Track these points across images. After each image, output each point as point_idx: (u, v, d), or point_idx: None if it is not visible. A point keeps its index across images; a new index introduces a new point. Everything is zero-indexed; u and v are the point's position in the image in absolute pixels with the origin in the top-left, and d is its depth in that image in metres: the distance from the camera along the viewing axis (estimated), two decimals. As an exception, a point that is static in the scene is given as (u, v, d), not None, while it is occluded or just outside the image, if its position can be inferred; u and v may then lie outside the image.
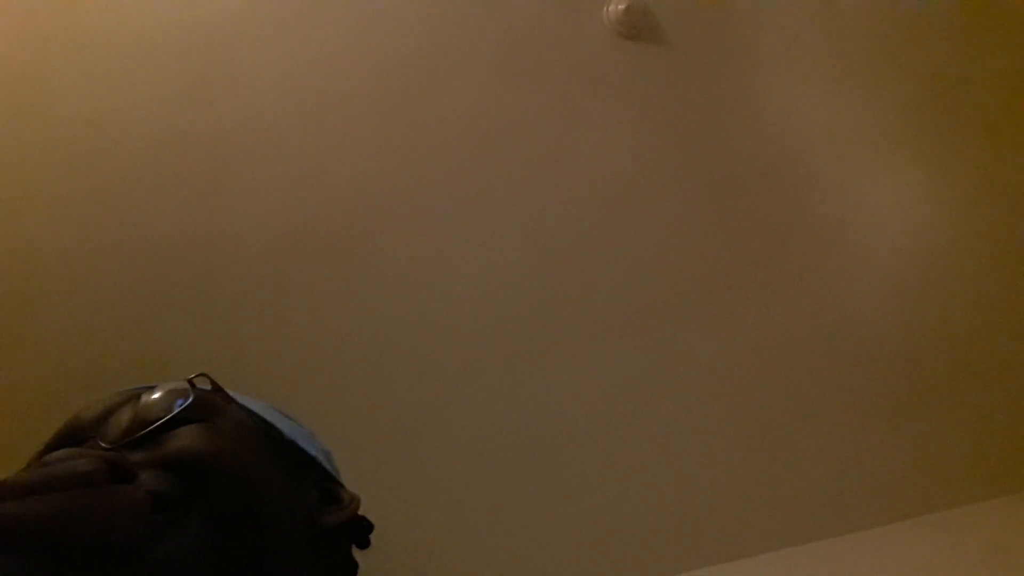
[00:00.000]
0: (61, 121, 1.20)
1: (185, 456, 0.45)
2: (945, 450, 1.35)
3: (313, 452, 0.59)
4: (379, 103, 1.28)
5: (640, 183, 1.34)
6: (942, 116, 1.45)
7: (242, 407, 0.57)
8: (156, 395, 0.51)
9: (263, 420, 0.57)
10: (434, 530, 1.19)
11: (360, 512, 0.60)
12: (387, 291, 1.24)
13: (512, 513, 1.23)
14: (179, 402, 0.51)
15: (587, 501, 1.25)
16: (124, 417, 0.50)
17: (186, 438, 0.47)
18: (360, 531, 0.59)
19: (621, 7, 1.34)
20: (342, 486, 0.60)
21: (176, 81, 1.24)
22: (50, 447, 0.51)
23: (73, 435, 0.51)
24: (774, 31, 1.43)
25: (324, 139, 1.26)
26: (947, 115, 1.46)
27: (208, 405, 0.53)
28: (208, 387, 0.57)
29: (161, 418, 0.49)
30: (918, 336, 1.38)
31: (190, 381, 0.55)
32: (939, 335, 1.39)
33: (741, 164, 1.38)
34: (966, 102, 1.46)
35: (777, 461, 1.31)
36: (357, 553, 0.63)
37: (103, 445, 0.48)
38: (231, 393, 0.58)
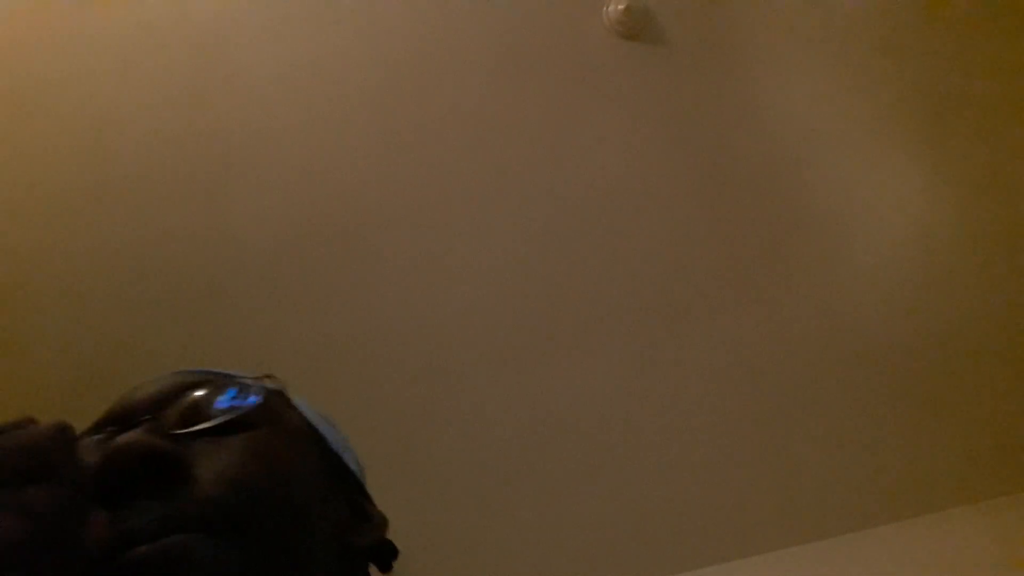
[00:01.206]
0: (62, 121, 1.20)
1: (234, 476, 0.42)
2: (944, 450, 1.35)
3: (352, 466, 0.57)
4: (379, 103, 1.28)
5: (639, 183, 1.34)
6: (942, 116, 1.45)
7: (300, 415, 0.54)
8: (216, 390, 0.48)
9: (315, 430, 0.54)
10: (432, 530, 1.19)
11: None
12: (385, 291, 1.24)
13: (511, 513, 1.23)
14: (240, 401, 0.48)
15: (587, 501, 1.25)
16: (180, 405, 0.47)
17: (238, 454, 0.44)
18: (385, 554, 0.56)
19: (621, 7, 1.34)
20: (371, 502, 0.58)
21: (177, 82, 1.24)
22: (99, 425, 0.48)
23: (124, 416, 0.47)
24: (774, 31, 1.43)
25: (324, 140, 1.26)
26: (947, 115, 1.46)
27: (270, 411, 0.49)
28: (274, 386, 0.54)
29: (220, 417, 0.46)
30: (917, 336, 1.38)
31: (257, 379, 0.52)
32: (938, 335, 1.39)
33: (740, 164, 1.38)
34: (966, 102, 1.46)
35: (777, 461, 1.31)
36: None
37: (160, 429, 0.44)
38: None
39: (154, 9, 1.25)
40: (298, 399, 0.57)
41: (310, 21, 1.29)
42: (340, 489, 0.53)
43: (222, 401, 0.47)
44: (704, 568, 1.25)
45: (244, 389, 0.49)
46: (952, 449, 1.36)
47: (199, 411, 0.46)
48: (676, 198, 1.35)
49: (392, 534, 0.57)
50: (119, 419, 0.47)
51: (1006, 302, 1.42)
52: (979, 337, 1.40)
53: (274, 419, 0.49)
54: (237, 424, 0.46)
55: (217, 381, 0.50)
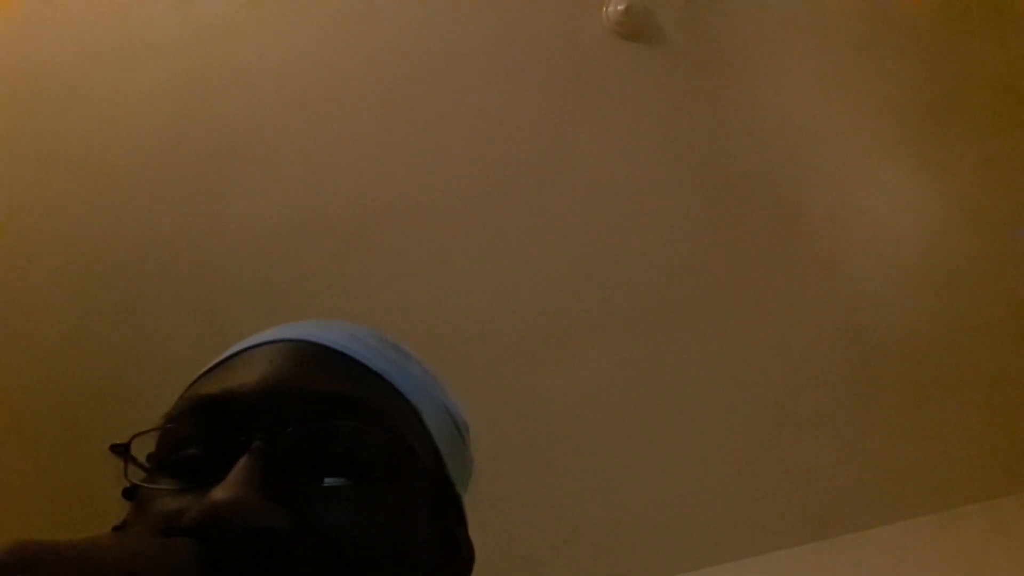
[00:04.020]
0: (62, 118, 1.20)
1: (347, 549, 0.35)
2: (945, 450, 1.35)
3: (463, 493, 0.51)
4: (379, 103, 1.28)
5: (639, 183, 1.34)
6: (940, 117, 1.45)
7: (431, 442, 0.46)
8: (356, 423, 0.38)
9: (440, 461, 0.46)
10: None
11: None
12: (383, 290, 1.24)
13: (511, 514, 1.23)
14: (384, 438, 0.39)
15: (587, 502, 1.25)
16: (305, 430, 0.37)
17: (356, 525, 0.36)
18: None
19: (621, 7, 1.34)
20: (465, 527, 0.51)
21: (178, 79, 1.24)
22: (195, 409, 0.38)
23: (229, 413, 0.38)
24: (773, 33, 1.43)
25: (325, 139, 1.26)
26: (946, 116, 1.46)
27: (402, 457, 0.40)
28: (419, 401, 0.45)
29: (357, 459, 0.37)
30: (918, 337, 1.38)
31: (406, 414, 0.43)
32: (939, 336, 1.39)
33: (740, 165, 1.38)
34: (963, 103, 1.47)
35: (777, 461, 1.31)
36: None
37: (273, 463, 0.35)
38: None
39: (157, 4, 1.25)
40: (436, 397, 0.49)
41: (310, 19, 1.29)
42: (442, 523, 0.45)
43: (357, 445, 0.38)
44: (704, 568, 1.25)
45: (389, 428, 0.40)
46: (953, 449, 1.36)
47: (327, 451, 0.37)
48: (676, 198, 1.35)
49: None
50: (221, 415, 0.38)
51: (1006, 303, 1.42)
52: (980, 338, 1.40)
53: (403, 470, 0.40)
54: (363, 469, 0.38)
55: (356, 403, 0.40)
